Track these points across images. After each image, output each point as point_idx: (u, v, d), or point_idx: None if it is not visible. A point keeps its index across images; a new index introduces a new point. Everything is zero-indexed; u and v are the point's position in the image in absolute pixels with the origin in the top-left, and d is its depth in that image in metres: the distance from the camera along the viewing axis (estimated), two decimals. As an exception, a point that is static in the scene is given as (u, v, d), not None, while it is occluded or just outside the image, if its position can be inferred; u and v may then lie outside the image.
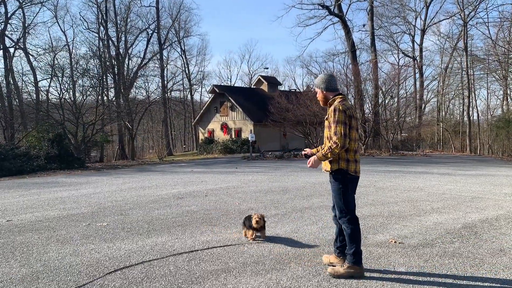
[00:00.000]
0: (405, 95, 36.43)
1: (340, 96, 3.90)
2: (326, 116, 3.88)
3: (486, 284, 3.63)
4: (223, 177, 13.09)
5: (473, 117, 38.10)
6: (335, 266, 3.92)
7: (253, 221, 4.96)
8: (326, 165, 3.88)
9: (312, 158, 3.89)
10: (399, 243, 4.94)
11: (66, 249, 4.88)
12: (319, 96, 4.03)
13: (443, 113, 44.75)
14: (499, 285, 3.62)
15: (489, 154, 31.62)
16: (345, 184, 3.78)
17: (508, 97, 37.48)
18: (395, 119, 30.49)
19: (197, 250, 4.71)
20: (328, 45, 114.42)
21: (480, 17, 41.80)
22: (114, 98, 35.46)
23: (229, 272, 3.98)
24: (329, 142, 3.73)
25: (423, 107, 39.09)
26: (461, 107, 41.19)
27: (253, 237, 5.06)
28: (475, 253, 4.51)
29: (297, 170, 15.05)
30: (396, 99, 33.53)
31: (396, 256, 4.43)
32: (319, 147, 3.93)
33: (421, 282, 3.67)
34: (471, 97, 36.35)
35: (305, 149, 4.19)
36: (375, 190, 9.26)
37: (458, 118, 43.43)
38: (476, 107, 42.38)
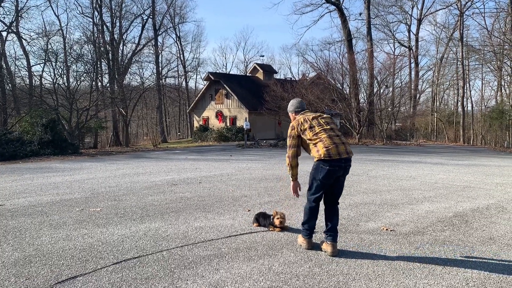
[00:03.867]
0: (400, 84, 36.44)
1: (300, 114, 4.39)
2: None
3: (475, 271, 3.68)
4: (218, 164, 13.10)
5: (467, 107, 38.28)
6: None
7: (277, 222, 4.92)
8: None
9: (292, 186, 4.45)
10: (391, 230, 4.99)
11: (59, 233, 4.89)
12: (290, 116, 4.59)
13: (438, 103, 44.87)
14: (487, 272, 3.67)
15: (482, 144, 31.85)
16: (316, 170, 4.10)
17: (502, 88, 37.59)
18: (389, 109, 30.57)
19: (190, 236, 4.73)
20: (324, 33, 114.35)
21: (476, 7, 41.88)
22: (108, 84, 35.19)
23: (221, 257, 4.00)
24: None
25: (417, 97, 39.16)
26: (455, 98, 41.27)
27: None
28: (465, 241, 4.57)
29: (291, 158, 15.07)
30: (391, 89, 33.53)
31: (387, 243, 4.48)
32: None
33: (411, 269, 3.72)
34: (465, 88, 36.44)
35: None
36: (368, 179, 9.31)
37: (452, 109, 43.57)
38: (471, 97, 42.60)
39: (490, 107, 38.25)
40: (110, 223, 5.35)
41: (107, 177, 10.13)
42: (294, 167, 4.28)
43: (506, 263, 3.91)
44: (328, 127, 4.21)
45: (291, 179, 4.35)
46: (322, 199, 4.25)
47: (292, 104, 4.56)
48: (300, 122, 4.26)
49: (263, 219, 5.12)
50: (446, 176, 9.87)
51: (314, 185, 4.16)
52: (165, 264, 3.82)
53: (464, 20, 34.63)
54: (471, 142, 33.18)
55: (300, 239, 4.35)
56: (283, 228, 4.96)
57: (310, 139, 4.13)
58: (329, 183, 4.09)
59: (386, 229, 5.02)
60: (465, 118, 35.21)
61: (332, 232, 4.10)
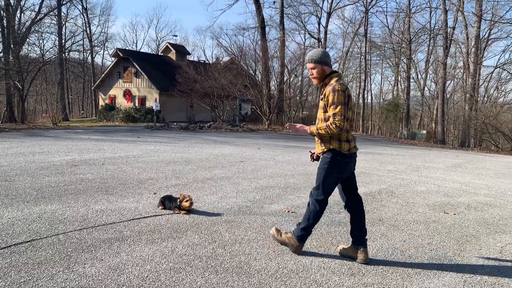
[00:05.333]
0: (308, 75, 37.95)
1: (337, 74, 3.64)
2: (321, 96, 3.60)
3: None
4: (123, 146, 12.61)
5: (367, 99, 41.17)
6: (280, 230, 3.93)
7: (186, 204, 4.87)
8: (318, 149, 3.71)
9: (301, 126, 3.69)
10: (292, 212, 5.24)
11: None
12: (317, 71, 3.64)
13: (342, 94, 47.56)
14: (375, 250, 4.03)
15: (378, 134, 34.53)
16: (332, 164, 3.57)
17: (399, 83, 40.96)
18: (298, 97, 31.75)
19: (90, 219, 4.52)
20: (239, 18, 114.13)
21: (380, 6, 44.88)
22: (1, 54, 31.82)
23: (123, 240, 3.90)
24: (327, 122, 3.48)
25: (324, 88, 41.16)
26: (357, 90, 44.09)
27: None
28: (357, 222, 4.94)
29: (202, 142, 15.03)
30: (300, 78, 34.81)
31: (288, 224, 4.70)
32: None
33: (309, 248, 3.95)
34: (366, 81, 39.09)
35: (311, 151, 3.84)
36: (274, 163, 9.63)
37: (354, 100, 46.48)
38: (371, 90, 45.77)
39: (387, 100, 41.56)
40: (-2, 206, 4.91)
41: (-2, 155, 9.24)
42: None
43: (391, 242, 4.33)
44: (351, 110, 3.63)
45: (310, 132, 3.60)
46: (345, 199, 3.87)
47: (324, 54, 3.66)
48: (347, 92, 3.50)
49: (169, 202, 5.06)
50: (345, 163, 10.56)
51: (328, 180, 3.62)
52: (61, 248, 3.61)
53: (369, 17, 37.03)
54: (369, 132, 35.81)
55: (292, 241, 3.77)
56: (189, 211, 4.96)
57: None
58: (344, 177, 3.71)
59: (288, 211, 5.27)
60: (365, 109, 37.84)
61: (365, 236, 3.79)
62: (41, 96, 51.31)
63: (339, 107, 3.41)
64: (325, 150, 3.60)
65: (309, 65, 3.68)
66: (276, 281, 3.20)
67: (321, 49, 3.79)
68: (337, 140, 3.54)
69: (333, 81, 3.54)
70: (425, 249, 4.14)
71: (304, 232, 3.72)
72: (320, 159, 3.72)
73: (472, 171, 10.86)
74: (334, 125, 3.41)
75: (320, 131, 3.50)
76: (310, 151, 3.99)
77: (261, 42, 31.77)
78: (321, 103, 3.59)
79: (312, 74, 3.69)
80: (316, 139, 3.69)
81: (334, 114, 3.43)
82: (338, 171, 3.60)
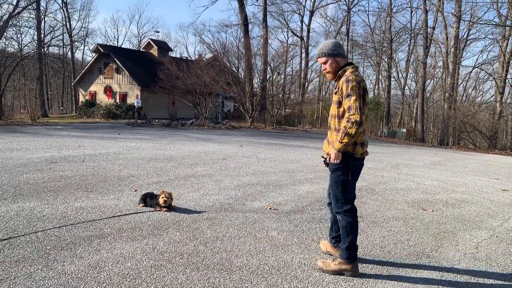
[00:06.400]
0: (291, 72, 38.13)
1: (352, 66, 3.34)
2: (335, 90, 3.33)
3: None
4: (104, 142, 12.45)
5: (349, 98, 41.49)
6: (325, 260, 3.51)
7: (161, 201, 4.84)
8: (328, 148, 3.38)
9: (332, 153, 3.27)
10: (274, 209, 5.26)
11: None
12: (330, 65, 3.36)
13: (324, 92, 47.91)
14: (355, 246, 4.09)
15: (360, 132, 34.89)
16: (347, 170, 3.28)
17: (379, 82, 41.44)
18: (280, 95, 31.85)
19: (70, 216, 4.46)
20: (222, 15, 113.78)
21: (362, 5, 45.31)
22: (-23, 47, 31.01)
23: (103, 238, 3.86)
24: (343, 125, 3.18)
25: (306, 86, 41.36)
26: (339, 88, 44.36)
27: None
28: (338, 219, 5.00)
29: (184, 139, 14.95)
30: (282, 76, 34.91)
31: (270, 221, 4.72)
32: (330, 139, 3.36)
33: (290, 245, 3.98)
34: (348, 80, 39.39)
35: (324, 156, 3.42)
36: (257, 161, 9.65)
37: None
38: (352, 89, 46.15)
39: (368, 98, 41.99)
40: (-26, 203, 4.81)
41: (-27, 152, 9.02)
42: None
43: (370, 238, 4.39)
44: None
45: (337, 150, 3.21)
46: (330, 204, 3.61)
47: (336, 45, 3.37)
48: (362, 85, 3.21)
49: (150, 199, 5.03)
50: (327, 160, 10.65)
51: (348, 187, 3.34)
52: (40, 246, 3.56)
53: (351, 16, 37.30)
54: (351, 130, 36.12)
55: (344, 265, 3.35)
56: (170, 208, 4.93)
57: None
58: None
59: (270, 208, 5.29)
60: (347, 107, 38.11)
61: (338, 238, 3.65)
62: (19, 91, 50.23)
63: (353, 99, 3.11)
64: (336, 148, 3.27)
65: (321, 60, 3.39)
66: (257, 277, 3.22)
67: (332, 40, 3.52)
68: (352, 143, 3.23)
69: (347, 73, 3.26)
70: (404, 245, 4.22)
71: (350, 250, 3.34)
72: (330, 166, 3.38)
73: (451, 169, 11.09)
74: (350, 123, 3.09)
75: (344, 141, 3.14)
76: (323, 157, 3.55)
77: (244, 39, 31.71)
78: (335, 97, 3.32)
79: (325, 69, 3.40)
80: (328, 136, 3.44)
81: (348, 108, 3.14)
82: (354, 177, 3.36)
